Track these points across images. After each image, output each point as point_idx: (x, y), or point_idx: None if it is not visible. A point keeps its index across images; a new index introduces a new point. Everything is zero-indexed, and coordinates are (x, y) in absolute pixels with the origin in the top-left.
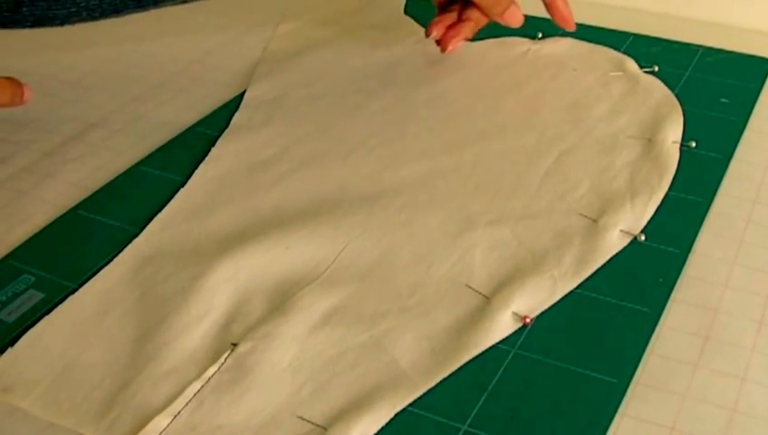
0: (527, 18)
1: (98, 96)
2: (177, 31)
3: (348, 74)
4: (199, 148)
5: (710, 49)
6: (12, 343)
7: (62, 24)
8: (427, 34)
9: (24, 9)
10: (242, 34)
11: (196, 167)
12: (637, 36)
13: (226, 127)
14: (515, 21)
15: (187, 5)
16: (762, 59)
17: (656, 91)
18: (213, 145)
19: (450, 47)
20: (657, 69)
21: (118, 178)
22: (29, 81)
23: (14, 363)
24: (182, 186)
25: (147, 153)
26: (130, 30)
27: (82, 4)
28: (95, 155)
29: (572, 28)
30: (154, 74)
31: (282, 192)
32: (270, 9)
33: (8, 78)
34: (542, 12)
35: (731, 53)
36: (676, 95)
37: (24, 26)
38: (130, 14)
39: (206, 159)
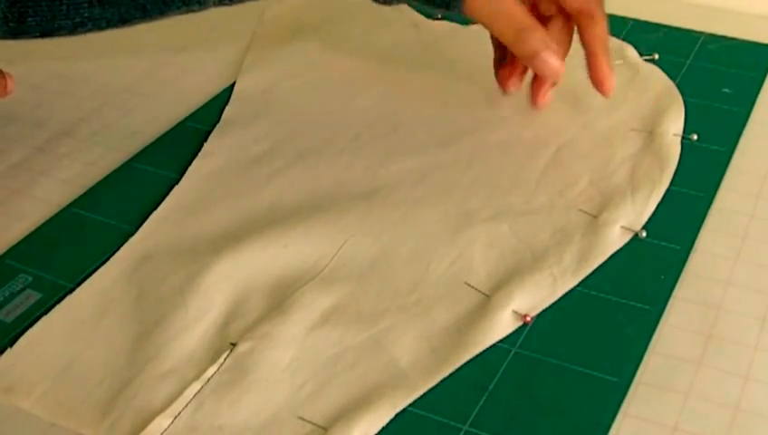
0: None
1: (85, 88)
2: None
3: (338, 63)
4: (191, 143)
5: (712, 36)
6: (11, 343)
7: (70, 33)
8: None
9: (30, 20)
10: (227, 21)
11: (188, 163)
12: (636, 22)
13: (218, 121)
14: (549, 71)
15: None
16: (766, 46)
17: (656, 80)
18: (205, 140)
19: (512, 88)
20: (657, 57)
21: (111, 174)
22: (12, 71)
23: (14, 364)
24: (176, 183)
25: (138, 149)
26: None
27: (86, 15)
28: (86, 151)
29: (607, 94)
30: (140, 65)
31: (277, 189)
32: None
33: None
34: None
35: (734, 39)
36: (678, 85)
37: (33, 36)
38: (137, 24)
39: (199, 154)
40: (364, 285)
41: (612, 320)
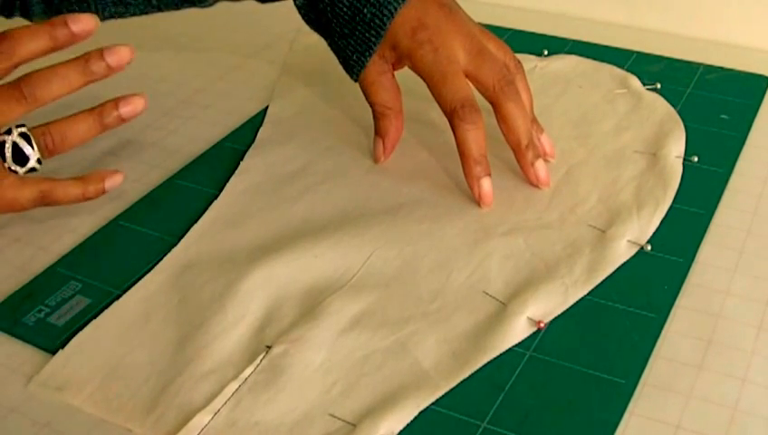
0: (533, 35)
1: None
2: (199, 48)
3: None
4: (229, 161)
5: (711, 67)
6: (63, 345)
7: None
8: None
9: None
10: (261, 50)
11: (226, 180)
12: (639, 54)
13: (253, 141)
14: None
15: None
16: (760, 76)
17: (659, 107)
18: (241, 159)
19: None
20: (659, 86)
21: (154, 190)
22: (66, 99)
23: (65, 364)
24: (215, 198)
25: (180, 167)
26: (155, 46)
27: (112, 11)
28: (131, 169)
29: (544, 187)
30: (181, 90)
31: (308, 204)
32: (286, 24)
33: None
34: (546, 29)
35: (731, 70)
36: (679, 111)
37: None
38: (155, 13)
39: (236, 172)
40: (390, 293)
41: (620, 326)
